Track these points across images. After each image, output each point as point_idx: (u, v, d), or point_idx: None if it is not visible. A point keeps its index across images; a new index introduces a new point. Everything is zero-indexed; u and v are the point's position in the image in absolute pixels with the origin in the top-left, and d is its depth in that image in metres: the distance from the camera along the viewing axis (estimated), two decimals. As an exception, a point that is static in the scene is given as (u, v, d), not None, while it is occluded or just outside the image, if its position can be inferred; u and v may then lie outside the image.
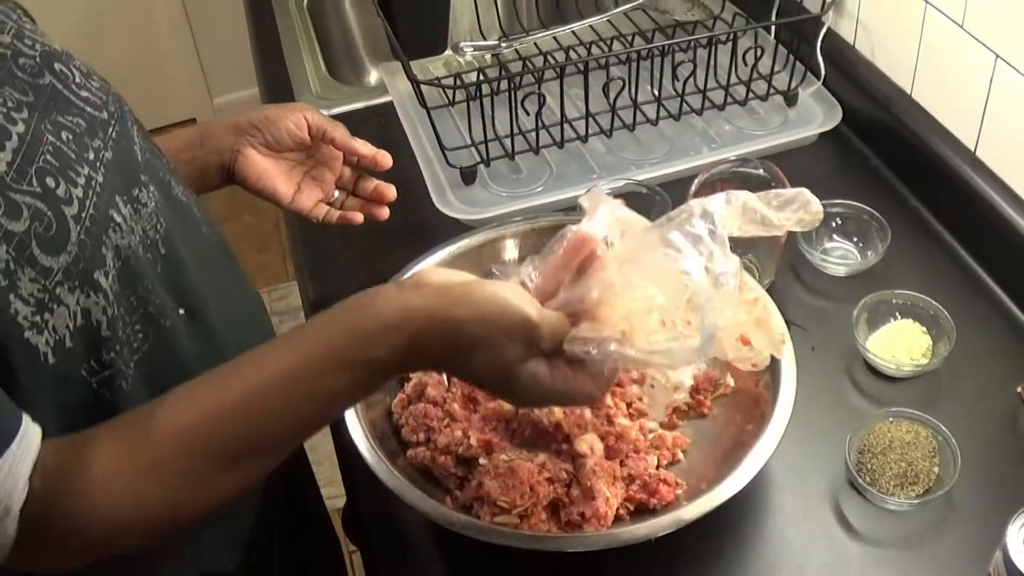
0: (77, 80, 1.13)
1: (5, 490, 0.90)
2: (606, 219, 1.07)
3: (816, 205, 1.15)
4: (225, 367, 1.00)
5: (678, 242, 1.05)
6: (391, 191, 1.49)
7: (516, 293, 0.99)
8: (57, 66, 1.11)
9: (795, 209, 1.16)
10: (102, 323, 1.03)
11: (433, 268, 1.04)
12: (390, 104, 1.95)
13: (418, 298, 0.97)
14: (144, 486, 0.95)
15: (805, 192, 1.15)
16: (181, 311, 1.16)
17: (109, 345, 1.04)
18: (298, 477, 1.60)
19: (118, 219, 1.07)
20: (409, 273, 1.34)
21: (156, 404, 0.98)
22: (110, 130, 1.12)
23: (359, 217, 1.48)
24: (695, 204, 1.09)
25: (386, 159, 1.46)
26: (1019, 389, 1.37)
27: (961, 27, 1.51)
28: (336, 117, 1.93)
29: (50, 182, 0.99)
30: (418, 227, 1.67)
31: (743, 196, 1.13)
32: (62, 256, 0.98)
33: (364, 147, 1.46)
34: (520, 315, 0.96)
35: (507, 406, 1.27)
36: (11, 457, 0.90)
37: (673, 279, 1.03)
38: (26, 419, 0.93)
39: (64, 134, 1.05)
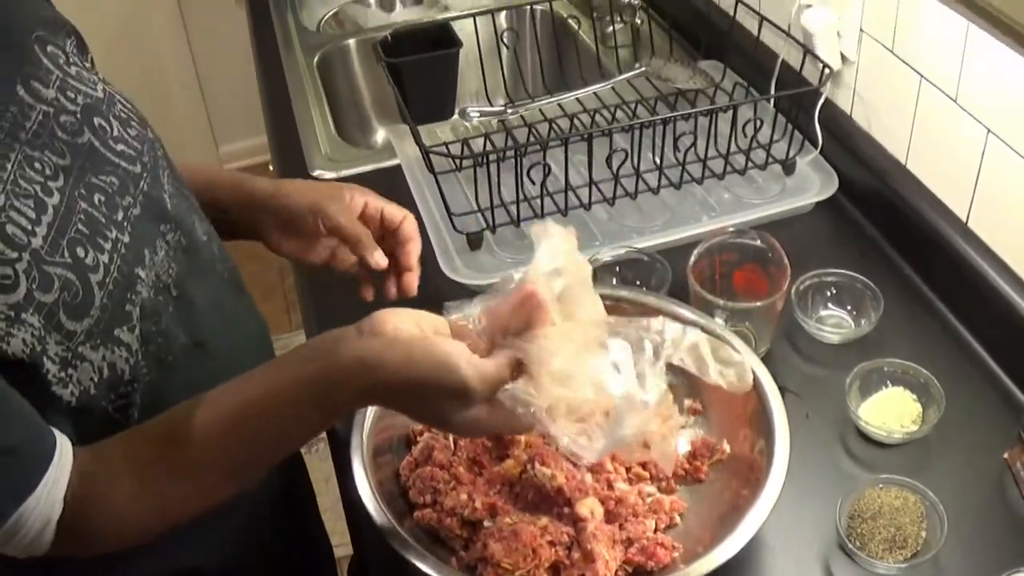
0: (115, 133, 1.17)
1: (46, 509, 0.99)
2: (555, 250, 1.18)
3: (749, 380, 1.27)
4: (224, 389, 1.10)
5: (617, 357, 1.16)
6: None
7: (460, 354, 1.07)
8: (96, 121, 1.15)
9: (734, 372, 1.28)
10: (125, 371, 1.11)
11: (391, 313, 1.12)
12: (398, 167, 1.98)
13: (372, 351, 1.07)
14: (156, 490, 1.07)
15: (747, 365, 1.26)
16: (188, 342, 1.22)
17: (128, 383, 1.12)
18: (311, 529, 1.67)
19: (142, 274, 1.13)
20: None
21: (164, 421, 1.09)
22: (141, 183, 1.18)
23: (392, 291, 1.50)
24: (654, 323, 1.20)
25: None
26: (1006, 456, 1.40)
27: (954, 101, 1.55)
28: (345, 179, 2.00)
29: (80, 251, 1.05)
30: (425, 290, 1.70)
31: (697, 337, 1.23)
32: (85, 320, 1.04)
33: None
34: (459, 380, 1.06)
35: (512, 470, 1.31)
36: (51, 479, 0.99)
37: (604, 387, 1.14)
38: (60, 438, 1.02)
39: (96, 196, 1.10)
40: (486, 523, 1.27)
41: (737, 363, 1.29)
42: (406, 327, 1.11)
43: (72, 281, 1.03)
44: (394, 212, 1.46)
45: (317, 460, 2.46)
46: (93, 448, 1.05)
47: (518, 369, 1.12)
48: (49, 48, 1.15)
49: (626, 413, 1.12)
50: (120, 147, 1.17)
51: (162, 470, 1.07)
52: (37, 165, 1.05)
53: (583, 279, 1.20)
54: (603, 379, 1.13)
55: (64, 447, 1.02)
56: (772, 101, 1.97)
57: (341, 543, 2.04)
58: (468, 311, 1.18)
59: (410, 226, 1.47)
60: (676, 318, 1.43)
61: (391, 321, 1.10)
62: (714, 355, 1.26)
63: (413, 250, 1.46)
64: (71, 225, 1.05)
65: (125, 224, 1.12)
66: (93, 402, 1.08)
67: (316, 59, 2.49)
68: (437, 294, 1.67)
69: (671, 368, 1.39)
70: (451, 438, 1.36)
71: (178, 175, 1.30)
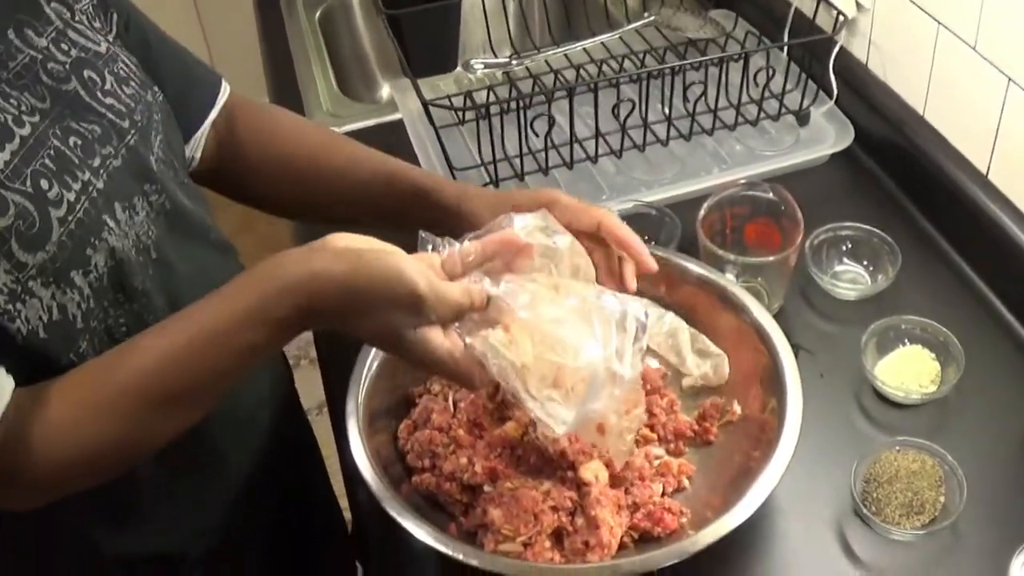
0: (106, 87, 1.15)
1: None
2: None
3: (725, 373, 1.32)
4: (162, 323, 1.06)
5: (599, 323, 1.11)
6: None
7: (412, 265, 1.04)
8: (87, 73, 1.14)
9: (710, 364, 1.32)
10: (77, 317, 1.08)
11: (343, 234, 1.09)
12: (401, 122, 1.94)
13: (319, 261, 1.04)
14: (91, 428, 1.02)
15: (724, 359, 1.32)
16: (165, 306, 1.19)
17: (84, 337, 1.09)
18: (320, 489, 1.68)
19: (111, 223, 1.10)
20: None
21: (105, 355, 1.06)
22: (128, 138, 1.16)
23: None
24: (636, 303, 1.15)
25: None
26: (1029, 417, 1.36)
27: (974, 49, 1.50)
28: (347, 134, 1.95)
29: (43, 184, 1.03)
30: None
31: (677, 324, 1.29)
32: (39, 254, 1.01)
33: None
34: (408, 287, 1.02)
35: (513, 433, 1.27)
36: None
37: (582, 353, 1.09)
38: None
39: (72, 139, 1.08)
40: (486, 488, 1.23)
41: (714, 355, 1.33)
42: (359, 244, 1.07)
43: (29, 211, 1.00)
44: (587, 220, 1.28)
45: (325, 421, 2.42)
46: (29, 389, 1.01)
47: (487, 311, 1.08)
48: (53, 3, 1.15)
49: (600, 387, 1.09)
50: (110, 100, 1.15)
51: (97, 402, 1.02)
52: (13, 101, 1.04)
53: (577, 251, 1.18)
54: (582, 346, 1.09)
55: (2, 382, 0.99)
56: (785, 50, 1.92)
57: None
58: (445, 240, 1.14)
59: (612, 224, 1.28)
60: (685, 274, 1.39)
61: (344, 238, 1.07)
62: (692, 345, 1.30)
63: (633, 244, 1.28)
64: (37, 158, 1.03)
65: (101, 171, 1.10)
66: (44, 346, 1.05)
67: (318, 15, 2.44)
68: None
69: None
70: (450, 399, 1.32)
71: (173, 147, 1.27)
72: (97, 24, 1.22)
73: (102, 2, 1.24)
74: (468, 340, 1.07)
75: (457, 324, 1.09)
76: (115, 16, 1.26)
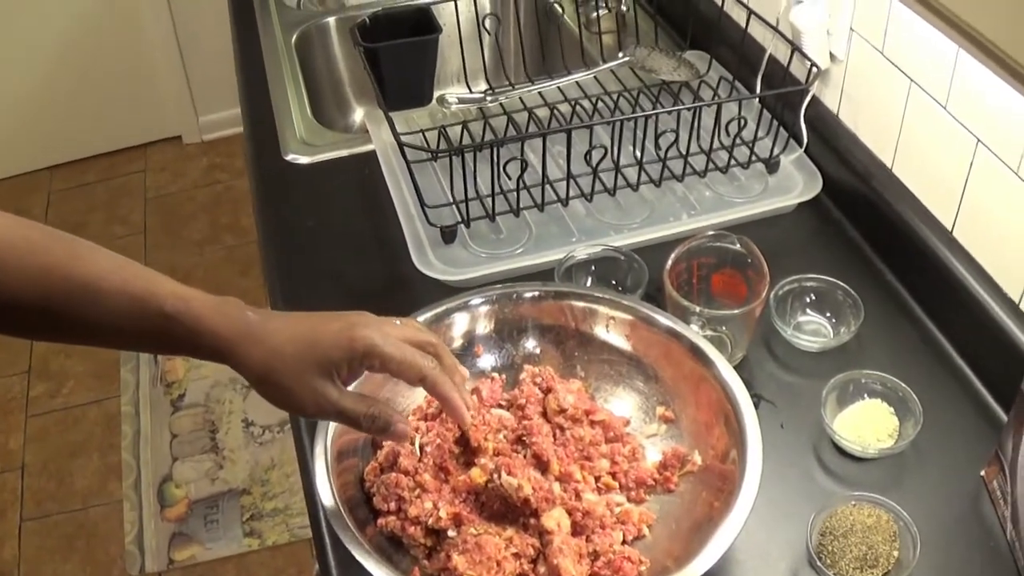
0: None
1: None
2: None
3: None
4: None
5: None
6: None
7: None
8: None
9: None
10: None
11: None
12: (375, 153, 1.94)
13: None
14: None
15: None
16: None
17: None
18: None
19: None
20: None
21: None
22: None
23: None
24: None
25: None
26: (983, 473, 1.38)
27: (944, 108, 1.52)
28: (320, 164, 1.96)
29: None
30: (398, 285, 1.68)
31: None
32: None
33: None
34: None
35: (477, 479, 1.28)
36: None
37: None
38: None
39: None
40: (450, 533, 1.24)
41: None
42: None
43: None
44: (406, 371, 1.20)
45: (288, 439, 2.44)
46: None
47: None
48: None
49: None
50: None
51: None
52: None
53: None
54: None
55: None
56: (758, 98, 1.93)
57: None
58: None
59: (433, 383, 1.22)
60: (651, 323, 1.41)
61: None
62: None
63: (451, 404, 1.24)
64: None
65: None
66: None
67: (294, 37, 2.44)
68: (409, 289, 1.65)
69: (644, 374, 1.39)
70: (416, 443, 1.33)
71: None
72: None
73: None
74: None
75: None
76: None
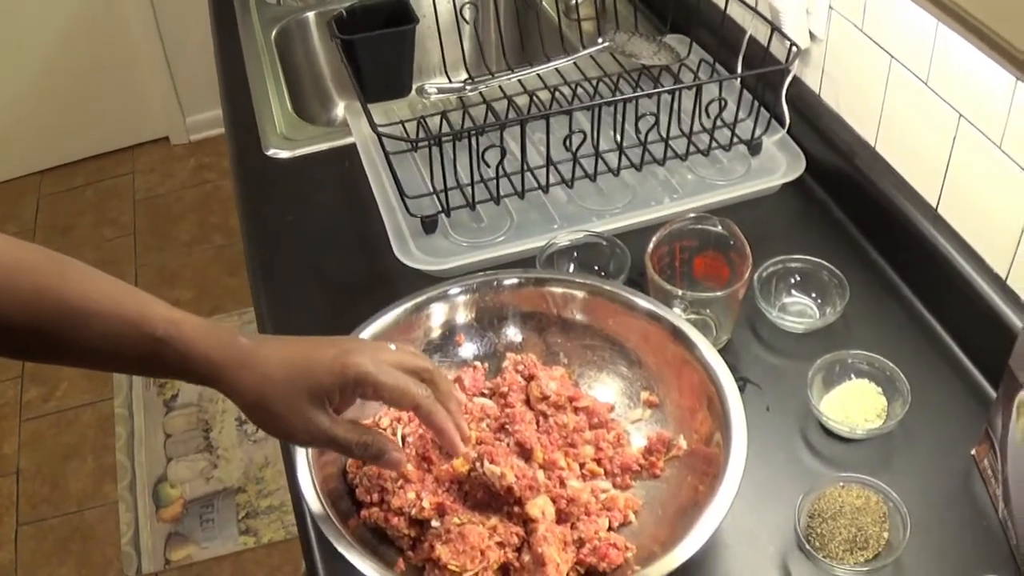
0: None
1: None
2: None
3: None
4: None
5: None
6: None
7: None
8: None
9: None
10: None
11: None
12: (355, 146, 1.93)
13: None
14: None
15: None
16: None
17: None
18: None
19: None
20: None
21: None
22: None
23: None
24: None
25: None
26: (973, 452, 1.37)
27: (925, 84, 1.51)
28: (301, 158, 1.95)
29: None
30: (380, 277, 1.67)
31: None
32: None
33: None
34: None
35: (460, 468, 1.27)
36: None
37: None
38: None
39: None
40: (434, 523, 1.23)
41: None
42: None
43: None
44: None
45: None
46: None
47: None
48: None
49: None
50: None
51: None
52: None
53: None
54: None
55: None
56: (738, 79, 1.92)
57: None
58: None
59: (426, 412, 1.20)
60: (633, 307, 1.40)
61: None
62: None
63: (444, 433, 1.22)
64: None
65: None
66: None
67: (274, 33, 2.43)
68: (391, 280, 1.64)
69: (627, 359, 1.38)
70: (399, 433, 1.32)
71: None
72: None
73: None
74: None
75: None
76: None
